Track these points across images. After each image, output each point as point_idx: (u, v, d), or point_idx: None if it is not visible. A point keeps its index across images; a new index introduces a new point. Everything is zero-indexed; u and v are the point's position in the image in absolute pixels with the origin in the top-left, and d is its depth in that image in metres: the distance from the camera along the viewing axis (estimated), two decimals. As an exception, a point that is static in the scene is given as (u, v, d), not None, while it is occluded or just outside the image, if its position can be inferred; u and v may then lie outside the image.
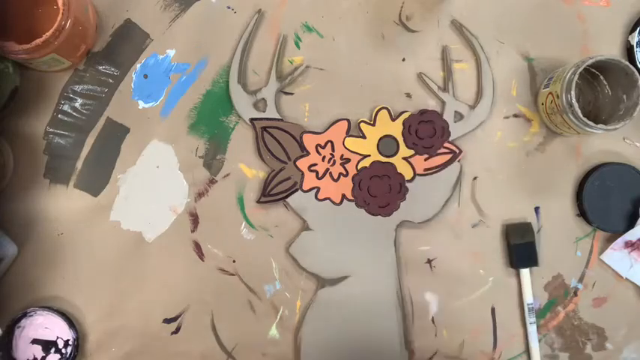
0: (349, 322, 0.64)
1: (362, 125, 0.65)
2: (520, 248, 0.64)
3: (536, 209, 0.66)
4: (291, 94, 0.65)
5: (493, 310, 0.65)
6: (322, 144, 0.64)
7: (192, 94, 0.65)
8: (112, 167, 0.65)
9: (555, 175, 0.66)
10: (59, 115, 0.65)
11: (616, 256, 0.65)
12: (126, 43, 0.65)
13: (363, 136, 0.65)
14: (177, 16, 0.65)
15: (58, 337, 0.62)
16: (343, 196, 0.64)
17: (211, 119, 0.65)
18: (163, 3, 0.65)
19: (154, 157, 0.65)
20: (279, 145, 0.64)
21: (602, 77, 0.64)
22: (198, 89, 0.65)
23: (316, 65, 0.66)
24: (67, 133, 0.65)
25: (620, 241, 0.64)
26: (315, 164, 0.64)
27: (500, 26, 0.66)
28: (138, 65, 0.65)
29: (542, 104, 0.64)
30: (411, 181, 0.65)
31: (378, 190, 0.64)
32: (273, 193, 0.64)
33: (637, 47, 0.65)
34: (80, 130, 0.65)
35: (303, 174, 0.64)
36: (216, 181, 0.65)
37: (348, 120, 0.65)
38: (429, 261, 0.65)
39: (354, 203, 0.64)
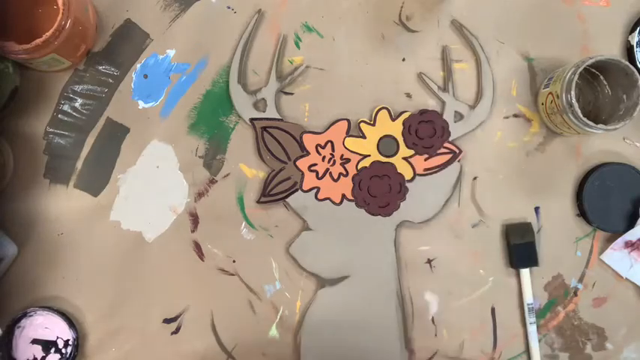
0: (349, 322, 0.64)
1: (362, 125, 0.65)
2: (520, 248, 0.64)
3: (536, 209, 0.66)
4: (291, 94, 0.65)
5: (493, 310, 0.65)
6: (322, 144, 0.64)
7: (192, 94, 0.65)
8: (112, 167, 0.65)
9: (555, 175, 0.66)
10: (59, 115, 0.65)
11: (616, 256, 0.65)
12: (126, 43, 0.65)
13: (363, 136, 0.65)
14: (177, 16, 0.65)
15: (58, 337, 0.62)
16: (343, 196, 0.64)
17: (211, 119, 0.65)
18: (163, 3, 0.65)
19: (154, 157, 0.65)
20: (279, 145, 0.64)
21: (602, 77, 0.64)
22: (198, 89, 0.65)
23: (316, 65, 0.66)
24: (67, 133, 0.65)
25: (620, 241, 0.64)
26: (315, 164, 0.64)
27: (500, 26, 0.66)
28: (138, 65, 0.65)
29: (542, 104, 0.64)
30: (411, 181, 0.64)
31: (378, 190, 0.64)
32: (273, 193, 0.64)
33: (637, 47, 0.65)
34: (80, 130, 0.65)
35: (303, 174, 0.64)
36: (216, 181, 0.65)
37: (348, 120, 0.65)
38: (429, 261, 0.65)
39: (354, 203, 0.64)
